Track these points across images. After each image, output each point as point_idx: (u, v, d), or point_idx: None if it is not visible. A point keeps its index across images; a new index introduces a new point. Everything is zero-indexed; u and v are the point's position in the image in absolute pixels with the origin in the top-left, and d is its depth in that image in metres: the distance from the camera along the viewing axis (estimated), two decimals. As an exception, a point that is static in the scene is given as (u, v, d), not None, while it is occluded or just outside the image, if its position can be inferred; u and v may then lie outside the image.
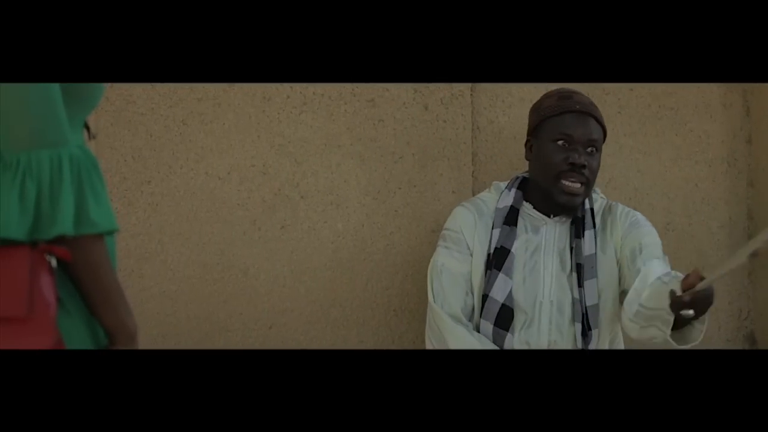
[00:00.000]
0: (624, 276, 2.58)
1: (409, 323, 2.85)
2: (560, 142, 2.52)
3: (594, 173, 2.54)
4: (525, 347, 2.52)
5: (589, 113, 2.54)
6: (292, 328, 2.79)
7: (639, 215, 2.66)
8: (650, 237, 2.60)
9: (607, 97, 3.02)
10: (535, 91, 2.94)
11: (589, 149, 2.52)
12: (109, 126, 2.64)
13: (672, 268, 2.65)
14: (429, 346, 2.60)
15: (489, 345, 2.50)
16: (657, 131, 3.09)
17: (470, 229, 2.59)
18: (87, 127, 1.52)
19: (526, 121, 2.76)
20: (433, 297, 2.56)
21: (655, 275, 2.42)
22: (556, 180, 2.51)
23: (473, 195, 2.90)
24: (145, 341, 2.63)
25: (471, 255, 2.57)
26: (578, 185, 2.50)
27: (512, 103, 2.96)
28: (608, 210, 2.66)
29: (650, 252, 2.55)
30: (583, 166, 2.49)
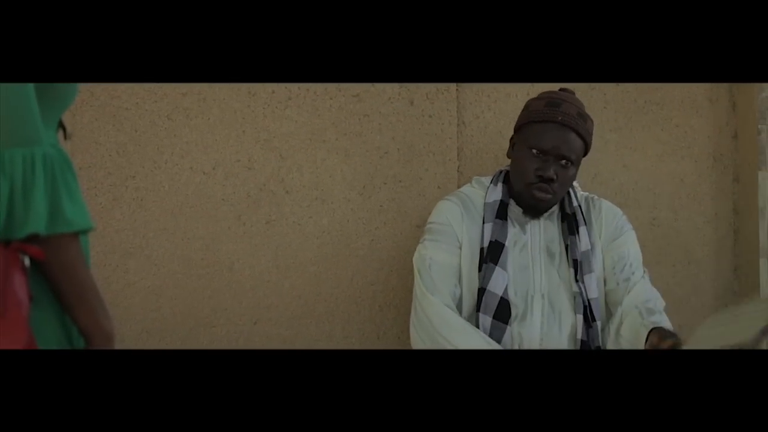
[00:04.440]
0: (607, 279, 2.62)
1: (394, 318, 2.85)
2: (534, 151, 2.52)
3: (565, 185, 2.55)
4: (518, 339, 2.51)
5: (571, 127, 2.52)
6: (277, 323, 2.78)
7: (623, 217, 2.69)
8: (634, 246, 2.66)
9: (592, 92, 3.02)
10: (520, 87, 2.94)
11: (563, 162, 2.52)
12: (93, 121, 2.63)
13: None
14: (415, 341, 2.54)
15: (488, 339, 2.47)
16: (643, 126, 3.09)
17: (458, 221, 2.58)
18: (63, 127, 1.51)
19: (512, 117, 2.75)
20: (425, 289, 2.52)
21: (634, 305, 2.54)
22: (526, 187, 2.53)
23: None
24: (130, 337, 2.65)
25: (459, 248, 2.56)
26: (546, 195, 2.52)
27: (498, 99, 2.95)
28: (591, 204, 2.68)
29: (633, 266, 2.62)
30: (552, 180, 2.50)
